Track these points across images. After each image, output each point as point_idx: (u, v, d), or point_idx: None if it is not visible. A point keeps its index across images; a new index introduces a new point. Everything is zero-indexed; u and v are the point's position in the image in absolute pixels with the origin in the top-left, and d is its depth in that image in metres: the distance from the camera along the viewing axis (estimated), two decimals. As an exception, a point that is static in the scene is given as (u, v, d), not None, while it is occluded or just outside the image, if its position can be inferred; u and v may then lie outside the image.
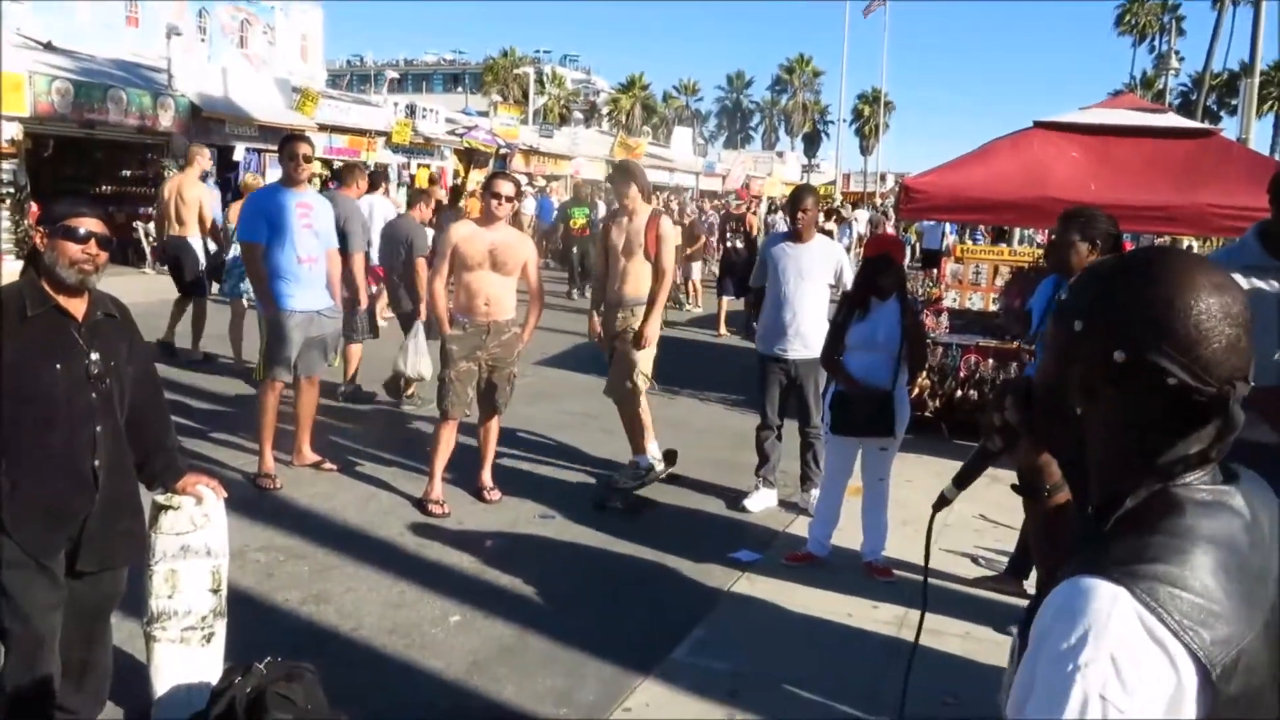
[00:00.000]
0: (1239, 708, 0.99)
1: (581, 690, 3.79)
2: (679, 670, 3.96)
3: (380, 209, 9.41)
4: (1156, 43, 65.64)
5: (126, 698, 3.41)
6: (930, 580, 5.15)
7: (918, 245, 20.87)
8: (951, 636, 4.24)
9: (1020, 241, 19.10)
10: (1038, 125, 8.29)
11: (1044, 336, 1.34)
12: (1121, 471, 1.13)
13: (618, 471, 6.48)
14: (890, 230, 20.00)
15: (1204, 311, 1.07)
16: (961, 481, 1.53)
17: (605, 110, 74.14)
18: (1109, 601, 0.99)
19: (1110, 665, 0.96)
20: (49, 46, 17.76)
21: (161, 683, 3.32)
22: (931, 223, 17.78)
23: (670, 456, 6.67)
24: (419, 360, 7.79)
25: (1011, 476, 1.45)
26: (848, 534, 5.19)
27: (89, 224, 2.92)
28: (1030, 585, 4.71)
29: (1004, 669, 1.21)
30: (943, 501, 1.53)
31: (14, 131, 14.61)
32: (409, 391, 8.24)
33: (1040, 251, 10.47)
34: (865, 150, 79.43)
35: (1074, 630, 0.99)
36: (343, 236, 7.01)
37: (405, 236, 8.32)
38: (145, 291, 11.26)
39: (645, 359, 6.24)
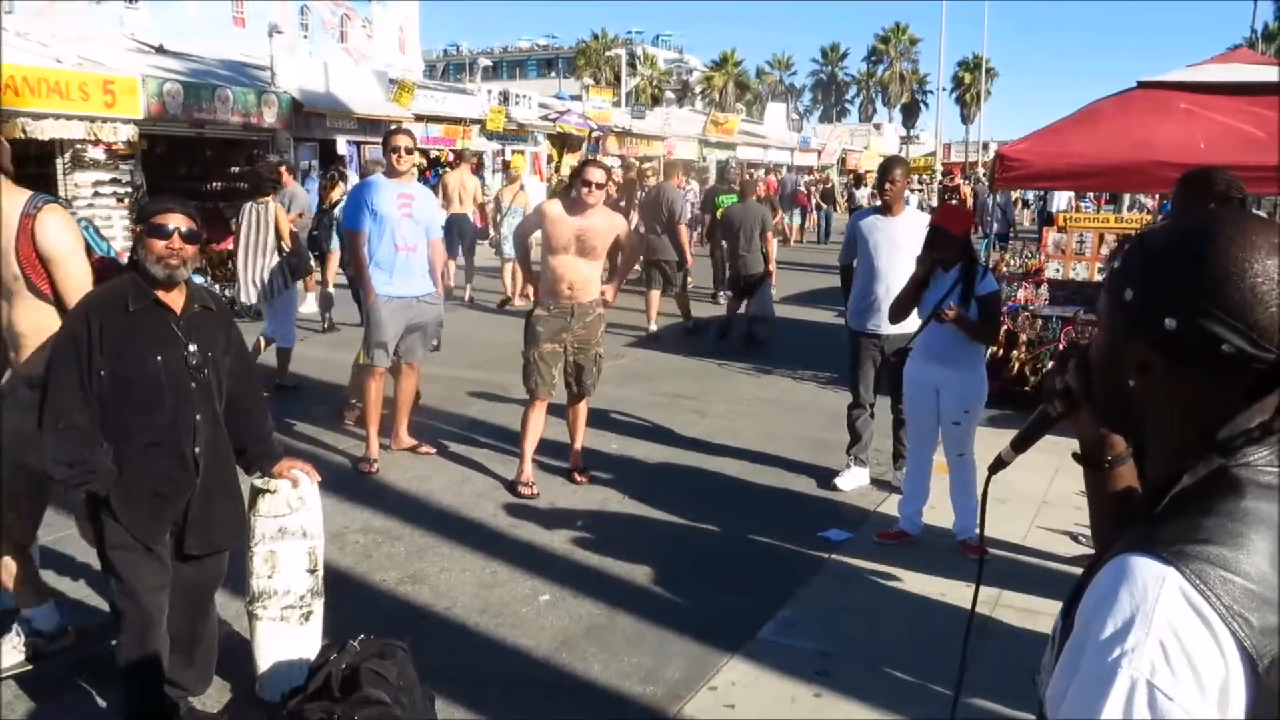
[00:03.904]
0: None
1: (668, 668, 3.82)
2: (766, 649, 3.96)
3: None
4: (1280, -8, 61.78)
5: (232, 673, 3.58)
6: (1027, 558, 4.99)
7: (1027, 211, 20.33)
8: (1046, 616, 4.13)
9: (1131, 207, 18.34)
10: (1142, 85, 7.94)
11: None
12: (1178, 447, 1.08)
13: None
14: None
15: (1260, 274, 1.01)
16: (1020, 444, 1.49)
17: (698, 89, 73.66)
18: (1156, 582, 0.95)
19: (1159, 650, 0.92)
20: (160, 49, 18.50)
21: (264, 659, 3.47)
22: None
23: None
24: None
25: None
26: (941, 512, 5.10)
27: (174, 220, 3.05)
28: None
29: None
30: (999, 464, 1.49)
31: (130, 133, 15.27)
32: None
33: (1148, 218, 10.04)
34: (966, 119, 77.10)
35: (1120, 613, 0.95)
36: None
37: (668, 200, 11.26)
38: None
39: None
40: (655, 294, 11.35)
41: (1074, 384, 1.28)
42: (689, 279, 11.86)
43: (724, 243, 11.27)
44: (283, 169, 11.39)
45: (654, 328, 11.19)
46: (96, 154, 15.00)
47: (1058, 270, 8.84)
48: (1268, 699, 0.93)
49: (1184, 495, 1.05)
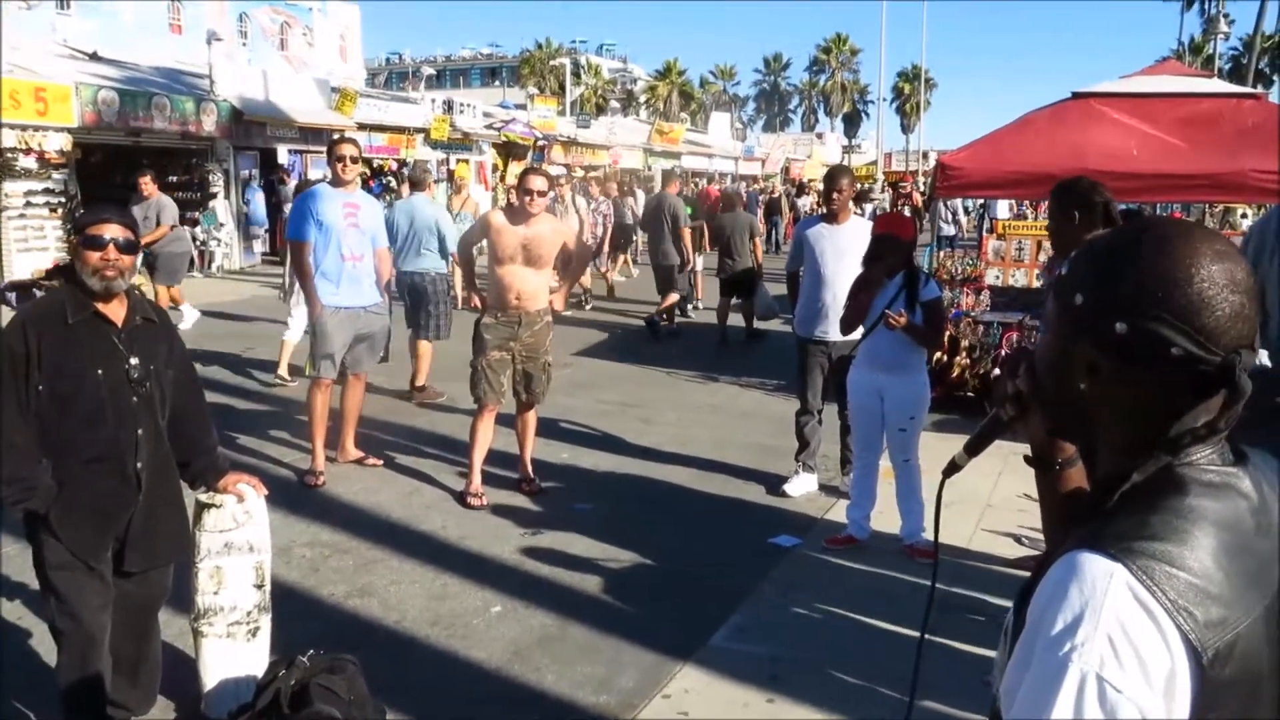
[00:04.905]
0: (1235, 694, 0.97)
1: (621, 677, 3.82)
2: (718, 656, 3.97)
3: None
4: (1206, 5, 63.65)
5: (177, 692, 3.51)
6: (972, 561, 5.07)
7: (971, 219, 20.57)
8: (993, 617, 4.20)
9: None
10: (1076, 96, 8.14)
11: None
12: (1126, 447, 1.12)
13: None
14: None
15: (1206, 279, 1.04)
16: (973, 449, 1.50)
17: (642, 98, 73.93)
18: (1104, 578, 0.97)
19: (1107, 644, 0.95)
20: (94, 56, 18.12)
21: (210, 677, 3.40)
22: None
23: None
24: None
25: None
26: (888, 518, 5.16)
27: (110, 230, 2.98)
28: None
29: None
30: (953, 468, 1.51)
31: (63, 142, 14.93)
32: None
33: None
34: (906, 129, 78.44)
35: (1070, 608, 0.98)
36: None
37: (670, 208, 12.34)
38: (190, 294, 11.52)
39: None
40: (673, 296, 12.51)
41: (1024, 388, 1.31)
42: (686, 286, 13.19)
43: (715, 249, 12.38)
44: (144, 179, 11.23)
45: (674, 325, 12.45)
46: (28, 163, 14.64)
47: (998, 277, 9.02)
48: (1221, 689, 0.96)
49: (1131, 493, 1.08)
